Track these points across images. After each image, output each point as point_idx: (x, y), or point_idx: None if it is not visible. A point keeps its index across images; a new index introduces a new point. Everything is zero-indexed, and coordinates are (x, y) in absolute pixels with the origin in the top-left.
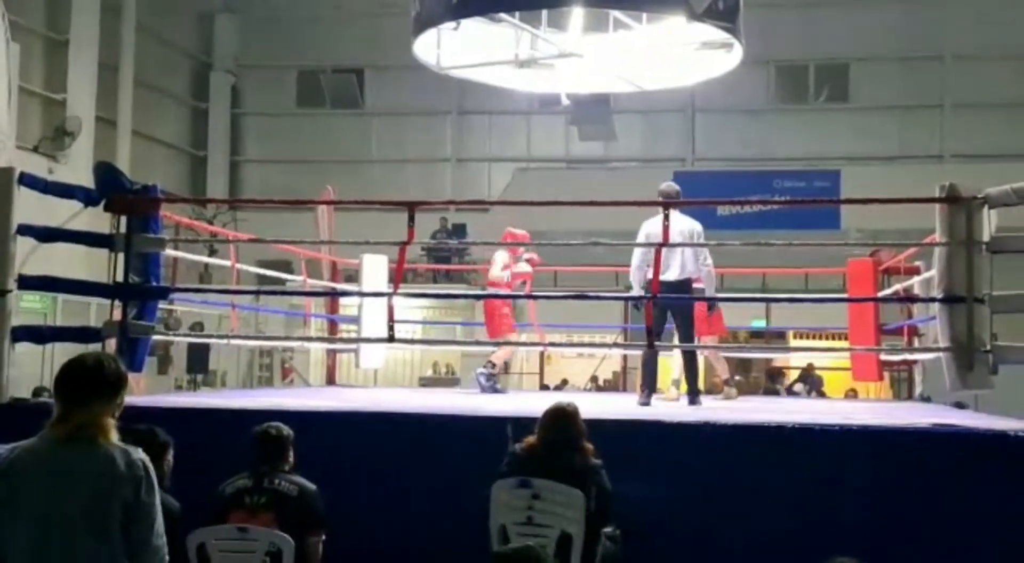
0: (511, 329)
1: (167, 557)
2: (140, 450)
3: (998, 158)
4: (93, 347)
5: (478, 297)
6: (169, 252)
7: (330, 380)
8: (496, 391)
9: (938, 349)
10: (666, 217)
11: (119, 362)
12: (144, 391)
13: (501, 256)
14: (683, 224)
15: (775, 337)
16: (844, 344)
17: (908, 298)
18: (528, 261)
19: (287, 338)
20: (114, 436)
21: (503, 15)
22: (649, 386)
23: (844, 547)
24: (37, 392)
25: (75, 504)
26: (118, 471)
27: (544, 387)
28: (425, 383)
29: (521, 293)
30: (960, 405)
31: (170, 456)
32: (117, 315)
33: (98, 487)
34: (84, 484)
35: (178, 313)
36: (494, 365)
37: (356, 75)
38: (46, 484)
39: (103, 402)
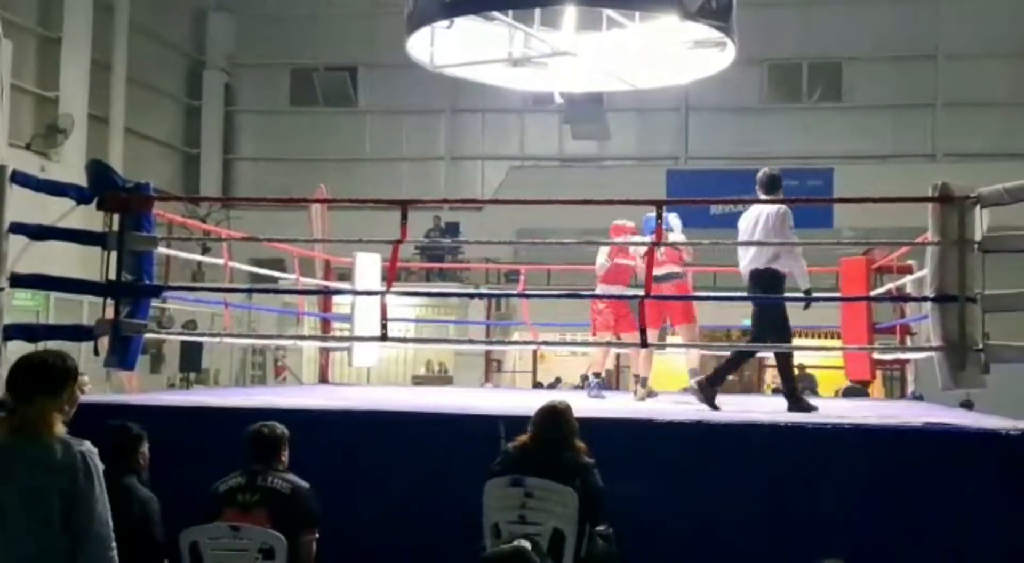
0: (605, 326)
1: (113, 545)
2: (86, 443)
3: (991, 157)
4: (85, 345)
5: (471, 296)
6: (162, 250)
7: (323, 378)
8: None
9: (931, 348)
10: (659, 215)
11: (68, 359)
12: (137, 389)
13: (606, 250)
14: (757, 209)
15: None
16: (837, 343)
17: (901, 297)
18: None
19: (280, 336)
20: (59, 429)
21: (496, 13)
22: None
23: (837, 545)
24: None
25: (16, 494)
26: (55, 462)
27: (537, 385)
28: (418, 381)
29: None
30: (967, 404)
31: (145, 448)
32: (110, 313)
33: (36, 478)
34: (24, 475)
35: (171, 311)
36: (597, 374)
37: (349, 73)
38: None
39: (46, 397)
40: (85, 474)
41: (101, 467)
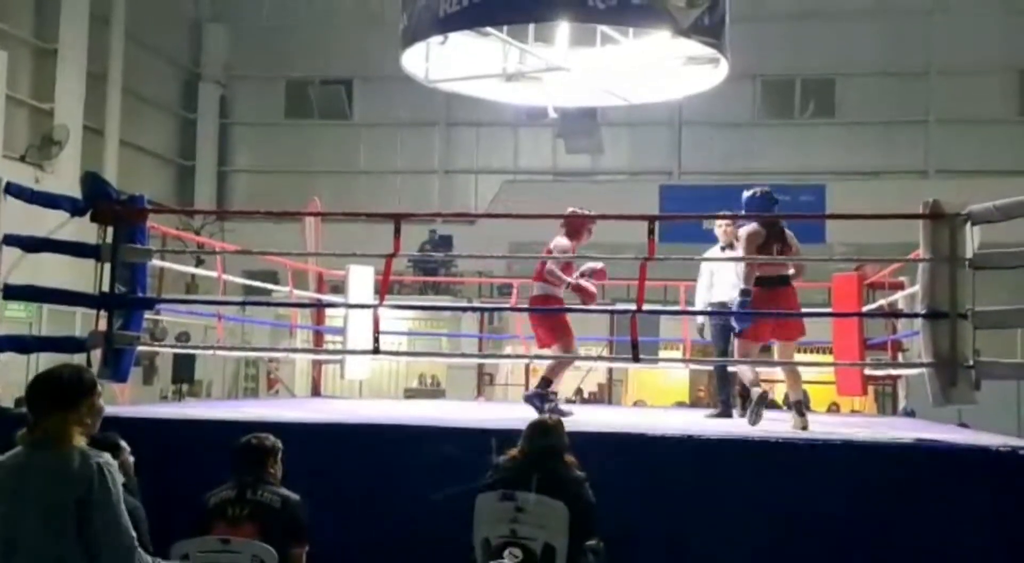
0: None
1: (134, 552)
2: (104, 454)
3: (982, 174)
4: (78, 357)
5: (464, 309)
6: (156, 262)
7: (315, 391)
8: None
9: (922, 364)
10: (651, 231)
11: (84, 372)
12: (129, 401)
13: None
14: None
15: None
16: (828, 359)
17: (892, 313)
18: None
19: (273, 349)
20: (78, 442)
21: (491, 29)
22: (724, 400)
23: (826, 561)
24: (19, 402)
25: (33, 506)
26: (72, 473)
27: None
28: (410, 394)
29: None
30: (963, 425)
31: (124, 456)
32: (103, 325)
33: (53, 489)
34: (41, 487)
35: (164, 323)
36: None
37: (344, 86)
38: (9, 486)
39: (63, 411)
40: (101, 485)
41: (121, 479)
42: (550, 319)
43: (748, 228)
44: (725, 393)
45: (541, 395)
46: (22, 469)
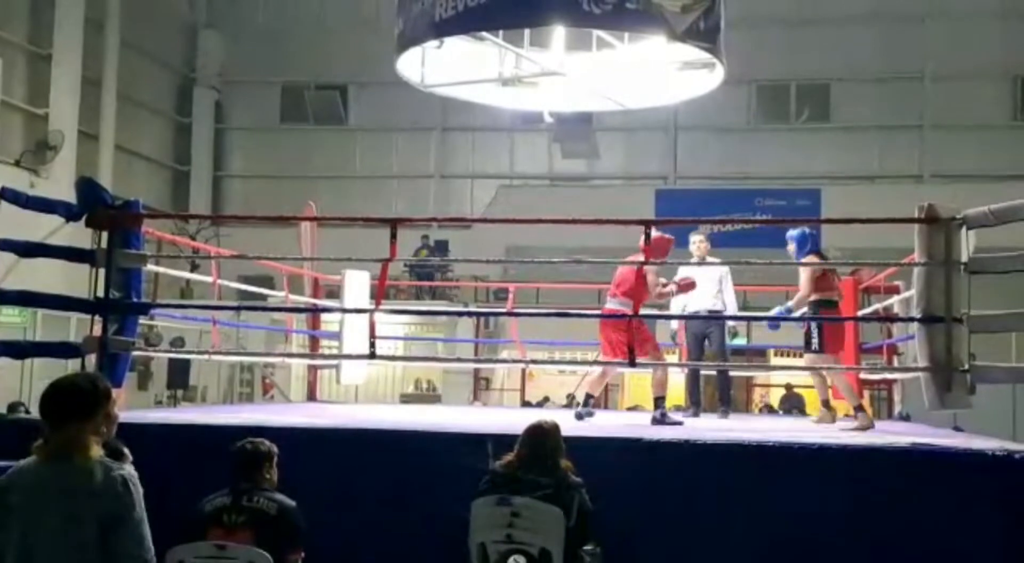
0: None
1: None
2: (126, 467)
3: (977, 178)
4: (73, 363)
5: (460, 314)
6: (151, 267)
7: (311, 396)
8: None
9: (917, 369)
10: (647, 235)
11: (98, 381)
12: (124, 406)
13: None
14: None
15: (756, 355)
16: None
17: (888, 317)
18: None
19: (268, 354)
20: (95, 452)
21: (486, 34)
22: (695, 401)
23: None
24: (13, 407)
25: (51, 521)
26: (95, 486)
27: (526, 404)
28: (406, 399)
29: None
30: (958, 429)
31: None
32: (97, 330)
33: (73, 503)
34: (60, 501)
35: (159, 328)
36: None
37: (340, 91)
38: (27, 502)
39: (78, 422)
40: (125, 498)
41: (141, 491)
42: (641, 331)
43: (809, 260)
44: (696, 395)
45: (590, 413)
46: (41, 482)
